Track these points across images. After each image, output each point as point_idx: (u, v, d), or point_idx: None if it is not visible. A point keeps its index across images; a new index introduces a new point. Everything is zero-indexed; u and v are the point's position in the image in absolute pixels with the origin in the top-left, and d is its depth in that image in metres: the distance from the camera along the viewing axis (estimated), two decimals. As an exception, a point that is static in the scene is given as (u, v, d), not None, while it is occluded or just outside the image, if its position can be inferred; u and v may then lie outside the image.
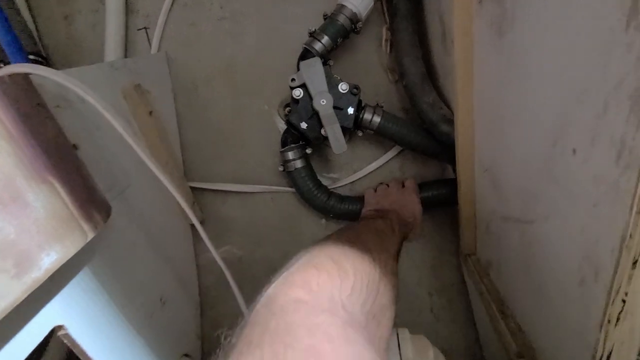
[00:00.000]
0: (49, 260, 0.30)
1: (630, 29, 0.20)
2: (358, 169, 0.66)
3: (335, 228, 0.68)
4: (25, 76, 0.34)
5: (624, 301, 0.25)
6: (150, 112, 0.53)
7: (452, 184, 0.60)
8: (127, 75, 0.53)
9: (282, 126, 0.66)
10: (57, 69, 0.35)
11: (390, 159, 0.65)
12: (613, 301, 0.26)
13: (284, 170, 0.62)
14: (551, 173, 0.31)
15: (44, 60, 0.57)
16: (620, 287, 0.25)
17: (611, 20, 0.21)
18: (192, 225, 0.65)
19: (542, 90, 0.30)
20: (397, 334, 0.40)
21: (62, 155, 0.34)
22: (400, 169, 0.66)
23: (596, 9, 0.22)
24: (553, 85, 0.29)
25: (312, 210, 0.67)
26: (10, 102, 0.29)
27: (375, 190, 0.60)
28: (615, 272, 0.24)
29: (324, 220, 0.67)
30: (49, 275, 0.29)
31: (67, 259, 0.31)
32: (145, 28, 0.63)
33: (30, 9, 0.59)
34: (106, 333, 0.40)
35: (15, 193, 0.28)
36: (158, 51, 0.63)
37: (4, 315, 0.26)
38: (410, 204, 0.55)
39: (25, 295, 0.27)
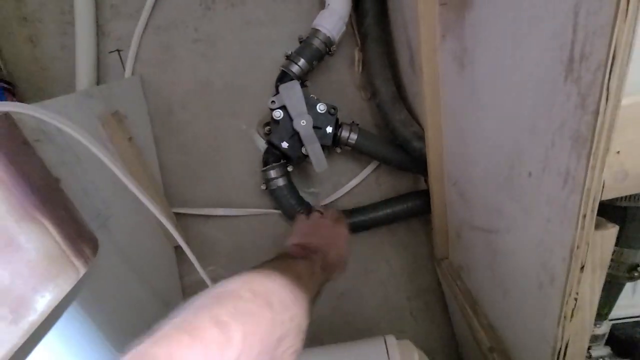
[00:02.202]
0: (44, 302, 0.30)
1: (567, 81, 0.24)
2: (338, 182, 0.69)
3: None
4: (7, 114, 0.33)
5: (575, 299, 0.30)
6: (130, 139, 0.53)
7: (425, 195, 0.65)
8: (103, 102, 0.52)
9: (262, 145, 0.68)
10: (24, 95, 0.34)
11: (369, 174, 0.69)
12: (567, 301, 0.30)
13: (266, 189, 0.64)
14: (510, 191, 0.36)
15: (11, 86, 0.54)
16: (572, 288, 0.29)
17: (553, 71, 0.25)
18: (176, 248, 0.65)
19: (499, 120, 0.35)
20: (385, 341, 0.43)
21: (48, 192, 0.34)
22: (377, 182, 0.70)
23: (542, 60, 0.27)
24: (508, 117, 0.33)
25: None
26: (2, 143, 0.29)
27: (308, 217, 0.54)
28: (567, 276, 0.29)
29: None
30: (45, 317, 0.29)
31: (61, 298, 0.31)
32: (118, 50, 0.62)
33: (-9, 32, 0.56)
34: (97, 367, 0.40)
35: (8, 238, 0.28)
36: (132, 74, 0.62)
37: (1, 364, 0.26)
38: (340, 243, 0.50)
39: (23, 341, 0.27)
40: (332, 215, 0.55)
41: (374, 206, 0.66)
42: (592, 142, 0.23)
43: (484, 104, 0.38)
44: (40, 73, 0.60)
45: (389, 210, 0.65)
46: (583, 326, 0.33)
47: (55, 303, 0.31)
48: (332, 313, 0.69)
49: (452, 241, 0.61)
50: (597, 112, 0.22)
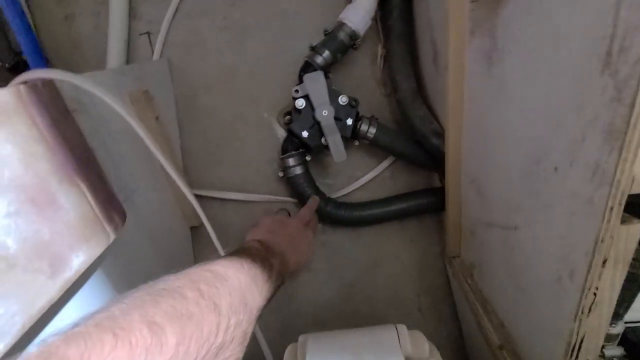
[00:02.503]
0: (78, 261, 0.31)
1: (604, 75, 0.24)
2: (352, 175, 0.70)
3: (330, 232, 0.71)
4: (51, 82, 0.35)
5: (594, 294, 0.30)
6: (157, 117, 0.54)
7: (439, 193, 0.65)
8: (134, 81, 0.53)
9: (281, 134, 0.69)
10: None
11: (384, 168, 0.69)
12: (586, 295, 0.31)
13: (283, 176, 0.65)
14: (533, 187, 0.36)
15: (47, 60, 0.56)
16: (592, 282, 0.30)
17: (589, 65, 0.26)
18: (192, 229, 0.66)
19: (526, 116, 0.36)
20: (397, 329, 0.44)
21: (85, 159, 0.35)
22: (391, 177, 0.70)
23: (578, 54, 0.27)
24: (537, 112, 0.34)
25: (307, 216, 0.70)
26: (45, 108, 0.31)
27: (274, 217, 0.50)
28: (589, 270, 0.29)
29: (320, 225, 0.70)
30: (79, 275, 0.31)
31: (93, 259, 0.32)
32: (147, 33, 0.63)
33: (29, 8, 0.58)
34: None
35: (50, 196, 0.29)
36: (160, 57, 0.64)
37: (41, 314, 0.27)
38: (303, 248, 0.46)
39: (59, 295, 0.29)
40: (302, 217, 0.52)
41: (388, 200, 0.67)
42: (625, 134, 0.23)
43: (512, 100, 0.38)
44: (73, 51, 0.62)
45: (402, 205, 0.66)
46: (600, 322, 0.33)
47: (88, 264, 0.32)
48: (341, 301, 0.70)
49: (465, 239, 0.62)
50: (633, 105, 0.22)
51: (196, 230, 0.66)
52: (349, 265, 0.71)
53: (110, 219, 0.36)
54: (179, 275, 0.27)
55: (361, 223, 0.67)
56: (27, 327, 0.25)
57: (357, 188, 0.70)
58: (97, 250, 0.33)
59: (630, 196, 0.26)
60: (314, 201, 0.61)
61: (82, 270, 0.31)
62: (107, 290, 0.41)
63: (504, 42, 0.37)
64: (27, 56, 0.45)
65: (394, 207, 0.66)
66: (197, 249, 0.67)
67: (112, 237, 0.36)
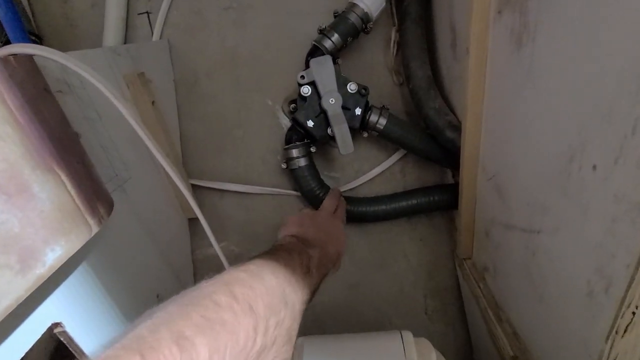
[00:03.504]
0: (54, 256, 0.28)
1: (669, 54, 0.20)
2: (360, 169, 0.66)
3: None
4: (30, 58, 0.32)
5: (633, 313, 0.26)
6: (153, 102, 0.51)
7: (451, 190, 0.61)
8: (130, 62, 0.50)
9: (285, 122, 0.65)
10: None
11: (394, 162, 0.65)
12: (623, 314, 0.27)
13: (286, 168, 0.61)
14: (565, 187, 0.32)
15: (39, 39, 0.53)
16: (632, 300, 0.26)
17: (648, 44, 0.21)
18: (190, 220, 0.63)
19: (563, 106, 0.31)
20: (402, 337, 0.40)
21: (67, 144, 0.32)
22: (401, 172, 0.66)
23: (630, 27, 0.23)
24: (575, 101, 0.29)
25: (311, 210, 0.67)
26: (17, 86, 0.27)
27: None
28: (630, 286, 0.25)
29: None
30: (53, 271, 0.28)
31: (71, 254, 0.30)
32: (147, 12, 0.60)
33: (23, -16, 0.55)
34: (102, 330, 0.39)
35: (21, 184, 0.26)
36: (160, 38, 0.61)
37: (6, 313, 0.24)
38: (339, 237, 0.45)
39: (29, 293, 0.26)
40: (327, 208, 0.50)
41: (397, 196, 0.63)
42: (694, 127, 0.19)
43: (543, 88, 0.34)
44: (68, 30, 0.59)
45: (412, 202, 0.62)
46: (636, 345, 0.29)
47: (65, 259, 0.29)
48: (343, 302, 0.67)
49: (478, 240, 0.58)
50: None
51: (194, 221, 0.63)
52: (354, 263, 0.68)
53: (93, 210, 0.33)
54: (214, 279, 0.26)
55: (368, 219, 0.64)
56: (-12, 329, 0.23)
57: (364, 183, 0.66)
58: (77, 244, 0.30)
59: (690, 202, 0.22)
60: (336, 191, 0.58)
61: (58, 265, 0.28)
62: (95, 285, 0.39)
63: (537, 19, 0.33)
64: (7, 30, 0.42)
65: (403, 204, 0.62)
66: (194, 241, 0.64)
67: (95, 229, 0.33)
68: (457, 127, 0.55)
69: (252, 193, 0.65)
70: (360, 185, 0.66)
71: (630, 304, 0.26)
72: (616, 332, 0.28)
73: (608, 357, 0.29)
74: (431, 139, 0.60)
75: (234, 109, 0.65)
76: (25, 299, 0.26)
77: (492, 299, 0.53)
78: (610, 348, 0.29)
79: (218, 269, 0.60)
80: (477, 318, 0.57)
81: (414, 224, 0.67)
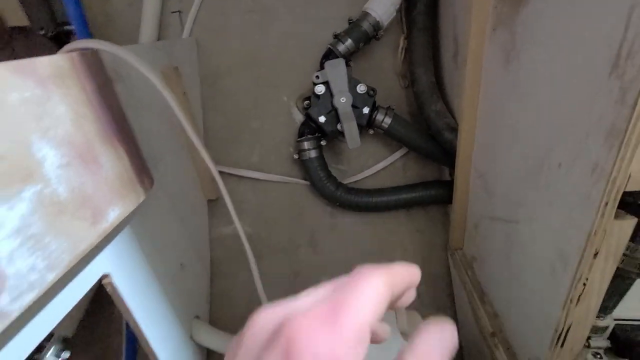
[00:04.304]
0: (114, 215, 0.34)
1: (611, 77, 0.26)
2: (365, 164, 0.72)
3: (339, 216, 0.74)
4: (96, 52, 0.38)
5: (584, 285, 0.32)
6: (184, 93, 0.57)
7: (448, 186, 0.67)
8: (166, 57, 0.56)
9: (298, 118, 0.71)
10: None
11: (397, 159, 0.71)
12: (576, 285, 0.33)
13: (298, 158, 0.67)
14: (537, 182, 0.38)
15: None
16: (583, 273, 0.32)
17: (600, 68, 0.27)
18: (209, 202, 0.70)
19: (537, 114, 0.37)
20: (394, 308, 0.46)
21: (123, 125, 0.39)
22: (403, 168, 0.72)
23: (590, 56, 0.29)
24: (547, 110, 0.35)
25: (318, 202, 0.73)
26: (92, 75, 0.34)
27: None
28: (580, 262, 0.31)
29: (329, 208, 0.73)
30: (113, 227, 0.34)
31: (126, 215, 0.36)
32: (179, 11, 0.66)
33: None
34: (140, 287, 0.45)
35: (94, 155, 0.33)
36: (189, 36, 0.67)
37: (81, 257, 0.31)
38: None
39: (97, 242, 0.32)
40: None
41: (397, 189, 0.69)
42: (625, 134, 0.25)
43: (524, 98, 0.40)
44: (107, 25, 0.65)
45: (411, 195, 0.68)
46: (587, 313, 0.35)
47: (122, 218, 0.35)
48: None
49: (468, 233, 0.64)
50: (634, 106, 0.24)
51: (212, 203, 0.70)
52: (355, 250, 0.74)
53: (141, 181, 0.39)
54: None
55: (370, 208, 0.70)
56: (70, 265, 0.29)
57: (369, 176, 0.72)
58: (130, 207, 0.37)
59: (626, 194, 0.28)
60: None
61: (117, 223, 0.35)
62: (134, 247, 0.45)
63: (522, 40, 0.39)
64: (75, 27, 0.48)
65: (403, 196, 0.68)
66: (211, 221, 0.71)
67: (142, 197, 0.39)
68: (455, 129, 0.61)
69: (266, 180, 0.71)
70: (365, 178, 0.73)
71: (581, 277, 0.32)
72: (570, 301, 0.34)
73: (565, 323, 0.35)
74: (431, 139, 0.66)
75: (252, 103, 0.71)
76: (90, 250, 0.32)
77: (477, 284, 0.59)
78: (566, 316, 0.35)
79: (232, 246, 0.67)
80: (464, 302, 0.64)
81: (412, 217, 0.73)
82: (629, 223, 0.29)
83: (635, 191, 0.31)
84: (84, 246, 0.31)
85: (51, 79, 0.28)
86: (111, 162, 0.35)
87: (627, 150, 0.25)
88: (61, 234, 0.28)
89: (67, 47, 0.35)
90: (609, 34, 0.26)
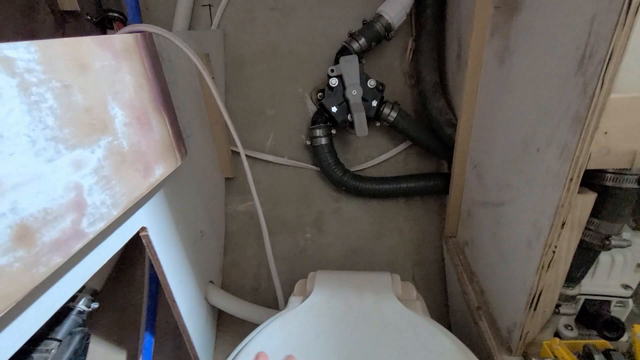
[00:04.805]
0: (159, 172, 0.41)
1: (578, 74, 0.32)
2: (370, 154, 0.78)
3: (344, 201, 0.80)
4: (150, 34, 0.44)
5: (553, 252, 0.38)
6: (213, 78, 0.63)
7: (445, 178, 0.73)
8: (199, 45, 0.63)
9: (312, 108, 0.77)
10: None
11: (399, 152, 0.77)
12: (546, 252, 0.39)
13: (310, 144, 0.74)
14: (520, 166, 0.44)
15: (125, 18, 0.66)
16: (552, 241, 0.38)
17: (570, 66, 0.33)
18: (226, 179, 0.76)
19: (522, 107, 0.43)
20: (392, 276, 0.52)
21: (167, 98, 0.45)
22: (405, 160, 0.78)
23: (563, 58, 0.35)
24: (530, 104, 0.41)
25: (325, 187, 0.79)
26: (149, 53, 0.40)
27: None
28: (550, 231, 0.37)
29: (335, 193, 0.79)
30: (158, 182, 0.40)
31: (167, 174, 0.42)
32: (209, 5, 0.73)
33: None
34: (168, 244, 0.51)
35: (147, 119, 0.39)
36: (217, 27, 0.73)
37: (134, 202, 0.37)
38: None
39: (146, 192, 0.38)
40: None
41: (399, 178, 0.75)
42: (586, 119, 0.31)
43: (513, 95, 0.46)
44: (145, 13, 0.72)
45: (411, 184, 0.74)
46: (557, 278, 0.41)
47: (164, 176, 0.42)
48: (345, 262, 0.80)
49: (462, 220, 0.69)
50: (593, 96, 0.30)
51: (229, 181, 0.76)
52: (356, 233, 0.80)
53: (179, 148, 0.46)
54: None
55: (373, 194, 0.76)
56: (127, 207, 0.35)
57: (373, 165, 0.78)
58: (171, 168, 0.43)
59: (588, 172, 0.34)
60: None
61: (160, 179, 0.41)
62: (167, 207, 0.51)
63: (514, 44, 0.45)
64: (129, 13, 0.55)
65: (403, 185, 0.74)
66: (227, 198, 0.77)
67: (179, 162, 0.45)
68: (455, 125, 0.66)
69: (279, 163, 0.78)
70: (368, 167, 0.79)
71: (551, 244, 0.38)
72: (542, 267, 0.40)
73: (537, 287, 0.41)
74: (432, 133, 0.72)
75: (270, 92, 0.77)
76: (140, 198, 0.38)
77: (467, 266, 0.65)
78: (539, 280, 0.41)
79: (244, 222, 0.72)
80: (454, 283, 0.69)
81: (410, 206, 0.79)
82: (591, 197, 0.35)
83: (600, 173, 0.37)
84: (137, 193, 0.37)
85: (122, 53, 0.35)
86: (159, 127, 0.41)
87: (587, 134, 0.31)
88: (123, 180, 0.34)
89: (126, 28, 0.42)
90: (577, 37, 0.32)
